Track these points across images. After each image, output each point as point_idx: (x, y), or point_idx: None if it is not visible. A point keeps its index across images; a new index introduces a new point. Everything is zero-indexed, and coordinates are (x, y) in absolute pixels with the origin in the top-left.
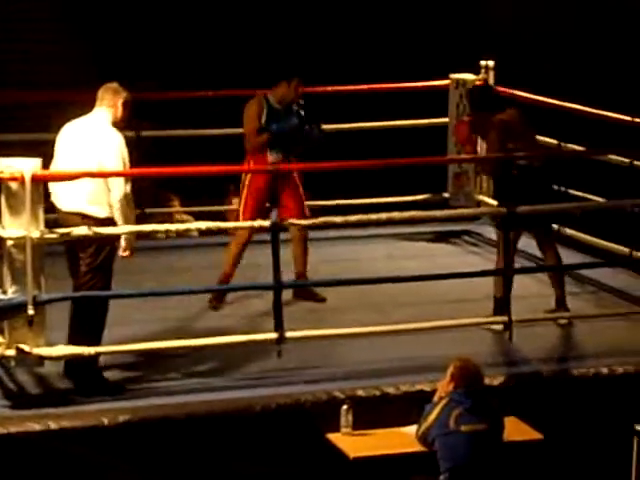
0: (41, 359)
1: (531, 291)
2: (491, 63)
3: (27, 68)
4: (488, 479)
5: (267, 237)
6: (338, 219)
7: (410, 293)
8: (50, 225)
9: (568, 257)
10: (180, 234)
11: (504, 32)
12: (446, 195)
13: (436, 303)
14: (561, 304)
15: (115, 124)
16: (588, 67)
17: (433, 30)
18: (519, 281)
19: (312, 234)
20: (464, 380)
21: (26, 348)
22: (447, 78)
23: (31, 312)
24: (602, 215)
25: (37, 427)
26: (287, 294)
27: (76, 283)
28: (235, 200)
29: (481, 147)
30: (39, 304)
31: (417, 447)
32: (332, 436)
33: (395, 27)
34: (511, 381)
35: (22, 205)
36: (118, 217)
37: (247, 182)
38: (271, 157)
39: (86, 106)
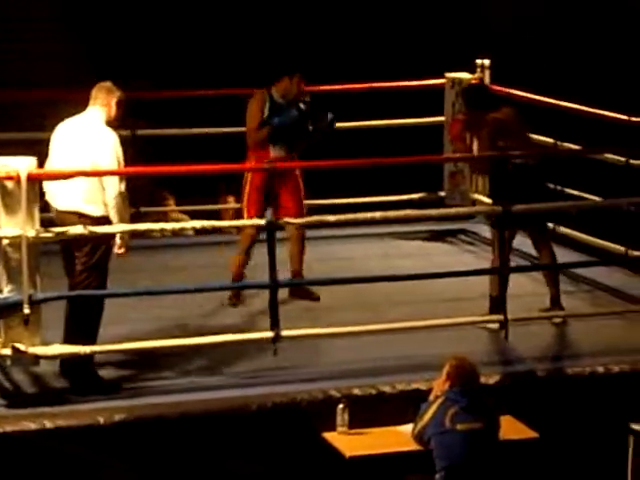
0: (37, 358)
1: (527, 290)
2: (487, 62)
3: (26, 67)
4: (484, 478)
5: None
6: (333, 218)
7: (406, 292)
8: (45, 224)
9: (563, 256)
10: (175, 233)
11: (500, 31)
12: (442, 194)
13: (432, 302)
14: (556, 303)
15: (109, 123)
16: (585, 66)
17: (429, 29)
18: (515, 280)
19: (307, 233)
20: (460, 379)
21: (22, 347)
22: (443, 77)
23: (27, 311)
24: (598, 214)
25: (33, 426)
26: (283, 292)
27: (72, 282)
28: (229, 199)
29: (474, 145)
30: (35, 303)
31: (413, 446)
32: (328, 435)
33: (391, 26)
34: (507, 380)
35: (18, 204)
36: (113, 215)
37: (249, 179)
38: (273, 152)
39: (80, 105)
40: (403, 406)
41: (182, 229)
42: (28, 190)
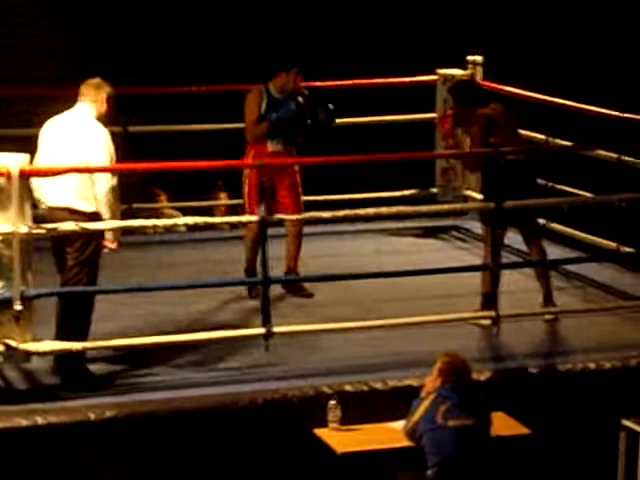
0: (28, 354)
1: (518, 286)
2: (479, 58)
3: (13, 64)
4: (476, 474)
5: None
6: (326, 214)
7: (398, 288)
8: (36, 220)
9: (555, 252)
10: (168, 229)
11: (492, 27)
12: (434, 190)
13: (423, 298)
14: (548, 299)
15: (99, 119)
16: (576, 62)
17: (421, 25)
18: (506, 276)
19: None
20: (451, 375)
21: (13, 344)
22: (434, 73)
23: (18, 308)
24: (589, 210)
25: (24, 422)
26: (278, 288)
27: (63, 278)
28: (221, 195)
29: (464, 141)
30: (26, 300)
31: (404, 443)
32: (320, 431)
33: (383, 22)
34: (498, 376)
35: (9, 200)
36: (104, 211)
37: (247, 175)
38: (271, 147)
39: (68, 102)
40: (395, 403)
41: (174, 225)
42: (20, 187)
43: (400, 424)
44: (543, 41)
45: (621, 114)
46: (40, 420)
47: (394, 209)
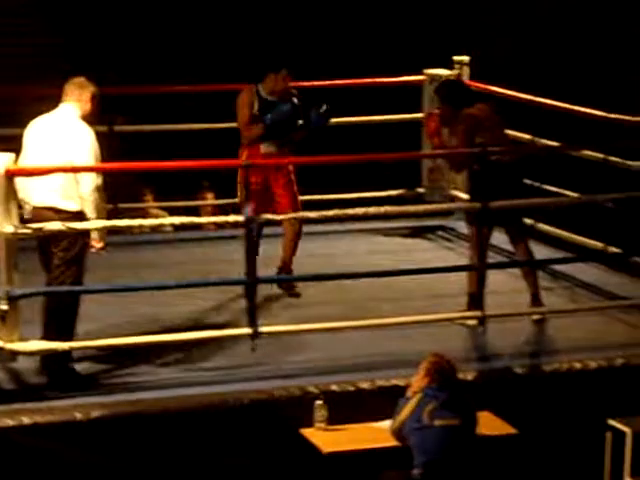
0: (14, 354)
1: (504, 286)
2: (466, 58)
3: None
4: (462, 474)
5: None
6: (314, 214)
7: (385, 288)
8: (21, 220)
9: (541, 252)
10: (154, 229)
11: (479, 28)
12: (421, 190)
13: (410, 298)
14: (536, 299)
15: (83, 118)
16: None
17: (408, 26)
18: (493, 276)
19: (279, 230)
20: (438, 375)
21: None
22: (421, 73)
23: (4, 307)
24: (576, 210)
25: (10, 422)
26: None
27: (49, 277)
28: (208, 195)
29: (450, 142)
30: (12, 299)
31: (391, 442)
32: (306, 431)
33: (370, 22)
34: (485, 376)
35: None
36: (89, 210)
37: (242, 178)
38: (263, 148)
39: (52, 101)
40: (381, 402)
41: (161, 225)
42: (5, 186)
43: (386, 424)
44: (530, 41)
45: (607, 114)
46: (26, 420)
47: (382, 209)
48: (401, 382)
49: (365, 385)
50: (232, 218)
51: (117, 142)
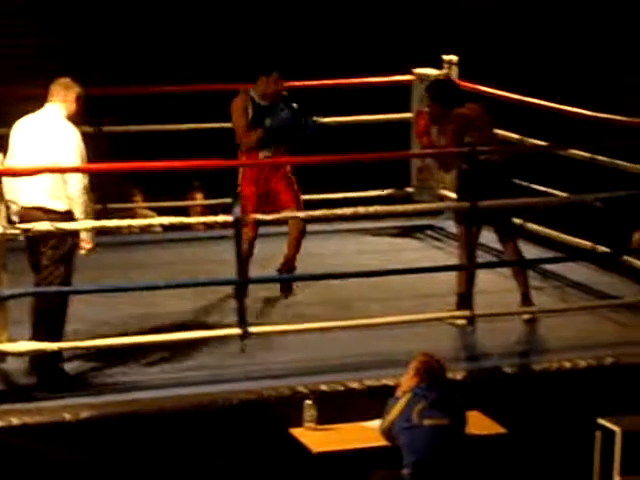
0: (3, 355)
1: (494, 286)
2: (454, 58)
3: None
4: (451, 473)
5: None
6: (302, 214)
7: (374, 288)
8: (9, 221)
9: (531, 251)
10: (143, 229)
11: (468, 27)
12: (410, 190)
13: (399, 298)
14: (526, 299)
15: (69, 119)
16: (551, 62)
17: (397, 25)
18: (482, 276)
19: (276, 229)
20: (427, 375)
21: None
22: (410, 73)
23: None
24: (564, 210)
25: (0, 423)
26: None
27: (37, 278)
28: (197, 195)
29: (439, 141)
30: (1, 300)
31: (380, 442)
32: (295, 431)
33: (358, 22)
34: (474, 375)
35: None
36: (78, 210)
37: (243, 177)
38: (262, 154)
39: (38, 101)
40: (371, 402)
41: (150, 225)
42: None
43: (376, 423)
44: (519, 40)
45: (597, 114)
46: (15, 420)
47: (371, 209)
48: (390, 382)
49: (354, 385)
50: (221, 218)
51: (105, 143)
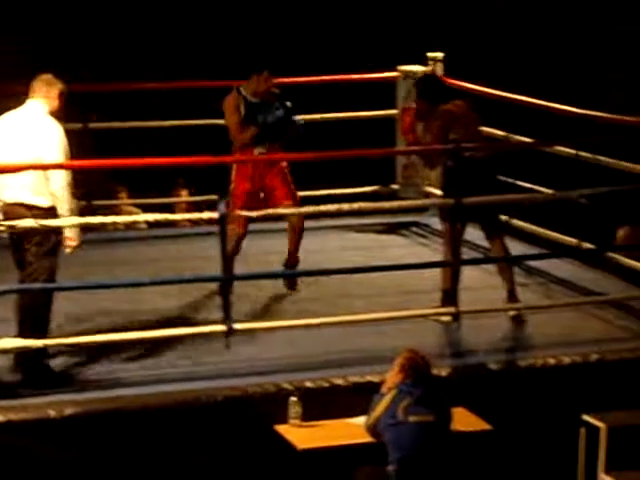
0: None
1: (479, 282)
2: (439, 55)
3: None
4: (437, 470)
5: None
6: (287, 211)
7: (359, 285)
8: None
9: (516, 248)
10: (128, 226)
11: (453, 24)
12: (395, 186)
13: (385, 295)
14: (512, 295)
15: (51, 115)
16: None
17: (382, 22)
18: (468, 272)
19: (261, 226)
20: (412, 371)
21: None
22: (395, 70)
23: None
24: (549, 206)
25: None
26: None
27: (22, 274)
28: (182, 192)
29: (424, 138)
30: None
31: (365, 438)
32: (280, 427)
33: (344, 19)
34: (459, 372)
35: None
36: (62, 207)
37: (235, 173)
38: (256, 152)
39: (23, 98)
40: (356, 398)
41: (135, 222)
42: None
43: (361, 420)
44: (504, 37)
45: (585, 111)
46: (0, 417)
47: (356, 205)
48: (375, 378)
49: (339, 381)
50: (206, 215)
51: (90, 139)
